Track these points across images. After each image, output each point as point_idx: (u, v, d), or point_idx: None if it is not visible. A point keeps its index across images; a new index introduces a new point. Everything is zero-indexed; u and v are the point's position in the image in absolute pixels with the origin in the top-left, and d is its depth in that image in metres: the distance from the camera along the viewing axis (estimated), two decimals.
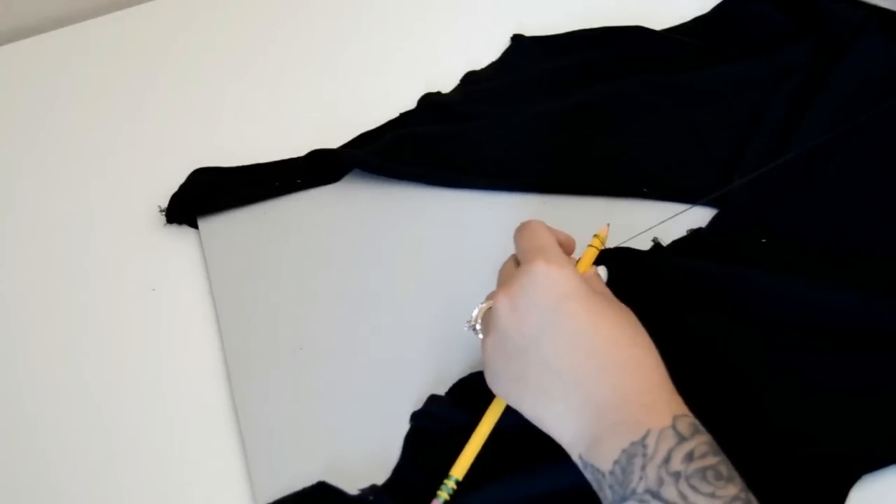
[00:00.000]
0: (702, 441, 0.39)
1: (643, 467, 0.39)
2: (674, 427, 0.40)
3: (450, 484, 0.47)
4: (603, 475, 0.40)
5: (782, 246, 0.57)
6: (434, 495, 0.47)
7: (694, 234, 0.58)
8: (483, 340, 0.47)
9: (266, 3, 0.80)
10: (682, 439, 0.39)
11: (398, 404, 0.52)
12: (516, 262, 0.48)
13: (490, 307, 0.47)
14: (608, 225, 0.54)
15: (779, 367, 0.51)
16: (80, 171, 0.68)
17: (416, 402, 0.52)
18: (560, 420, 0.43)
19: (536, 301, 0.44)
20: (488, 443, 0.48)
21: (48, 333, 0.59)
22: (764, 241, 0.57)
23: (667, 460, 0.39)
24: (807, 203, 0.59)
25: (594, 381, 0.42)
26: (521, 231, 0.48)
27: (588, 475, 0.42)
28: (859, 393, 0.49)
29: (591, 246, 0.52)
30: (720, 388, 0.50)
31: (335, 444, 0.51)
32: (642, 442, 0.39)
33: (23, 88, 0.75)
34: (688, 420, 0.40)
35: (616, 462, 0.40)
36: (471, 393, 0.51)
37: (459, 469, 0.47)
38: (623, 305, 0.45)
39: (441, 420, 0.51)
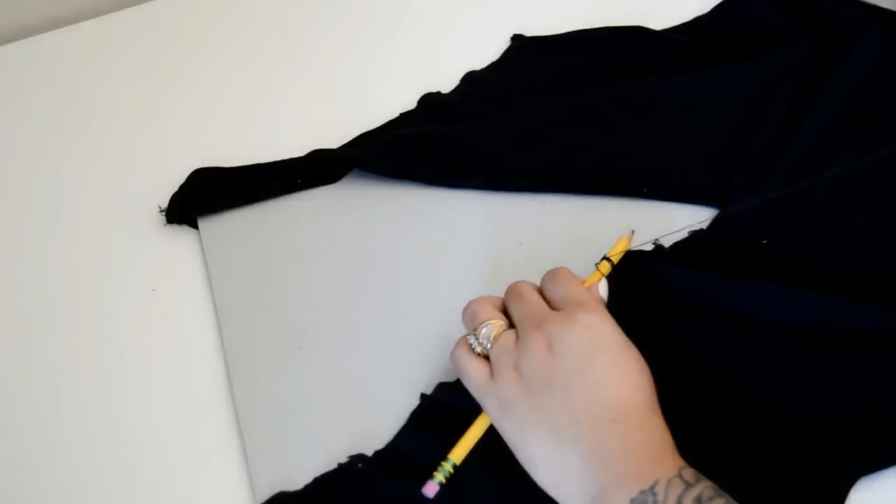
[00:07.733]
0: (707, 486, 0.41)
1: None
2: (680, 475, 0.41)
3: (447, 467, 0.47)
4: None
5: (783, 247, 0.57)
6: (429, 473, 0.47)
7: (694, 236, 0.58)
8: (497, 367, 0.47)
9: (266, 4, 0.79)
10: (688, 485, 0.40)
11: (398, 404, 0.52)
12: (538, 290, 0.50)
13: (503, 331, 0.48)
14: (633, 232, 0.55)
15: (777, 368, 0.51)
16: (80, 170, 0.68)
17: (416, 401, 0.52)
18: (563, 468, 0.43)
19: (574, 346, 0.45)
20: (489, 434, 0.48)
21: (48, 333, 0.59)
22: (765, 241, 0.57)
23: None
24: (808, 204, 0.59)
25: (606, 431, 0.43)
26: (555, 279, 0.50)
27: None
28: (859, 395, 0.50)
29: (606, 259, 0.53)
30: (718, 391, 0.50)
31: (335, 444, 0.51)
32: (651, 490, 0.41)
33: (23, 88, 0.75)
34: (691, 470, 0.42)
35: None
36: None
37: (458, 453, 0.47)
38: (644, 363, 0.46)
39: (449, 405, 0.51)
